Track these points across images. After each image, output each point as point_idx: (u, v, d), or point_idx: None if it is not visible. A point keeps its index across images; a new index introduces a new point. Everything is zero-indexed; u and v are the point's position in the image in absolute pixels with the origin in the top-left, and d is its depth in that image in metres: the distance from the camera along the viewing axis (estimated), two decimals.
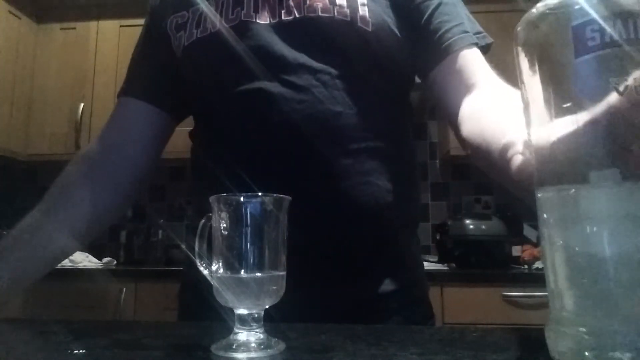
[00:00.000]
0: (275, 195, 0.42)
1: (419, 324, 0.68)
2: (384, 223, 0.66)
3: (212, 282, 0.41)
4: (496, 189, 2.60)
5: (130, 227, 2.58)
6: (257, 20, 0.67)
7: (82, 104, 2.49)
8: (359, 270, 0.66)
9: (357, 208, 0.64)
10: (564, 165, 0.31)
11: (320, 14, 0.66)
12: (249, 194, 0.41)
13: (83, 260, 2.27)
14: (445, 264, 2.15)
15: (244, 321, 0.41)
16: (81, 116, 2.48)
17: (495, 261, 2.08)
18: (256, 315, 0.41)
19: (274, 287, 0.41)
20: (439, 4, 0.70)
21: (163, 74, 0.76)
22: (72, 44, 2.59)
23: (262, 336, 0.41)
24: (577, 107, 0.30)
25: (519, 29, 0.34)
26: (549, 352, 0.33)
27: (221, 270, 0.41)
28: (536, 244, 2.32)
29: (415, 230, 0.76)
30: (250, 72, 0.65)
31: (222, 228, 0.41)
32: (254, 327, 0.41)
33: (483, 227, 2.10)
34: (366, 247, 0.66)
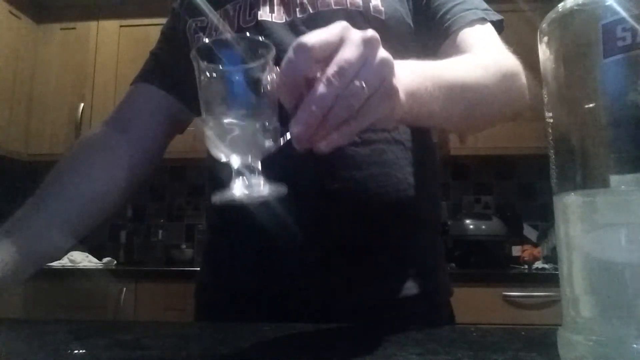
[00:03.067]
0: (261, 38, 0.41)
1: None
2: (405, 219, 0.64)
3: (205, 131, 0.39)
4: (496, 189, 2.60)
5: (130, 227, 2.58)
6: (274, 20, 0.68)
7: (82, 104, 2.49)
8: (378, 271, 0.63)
9: (376, 202, 0.61)
10: (583, 169, 0.30)
11: (333, 7, 0.66)
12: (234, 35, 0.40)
13: (83, 260, 2.27)
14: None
15: (239, 172, 0.39)
16: (81, 116, 2.48)
17: (495, 261, 2.08)
18: (252, 165, 0.39)
19: (265, 133, 0.39)
20: None
21: (179, 68, 0.74)
22: (72, 44, 2.59)
23: (261, 179, 0.39)
24: (600, 109, 0.29)
25: (544, 25, 0.33)
26: (548, 351, 0.33)
27: (210, 116, 0.39)
28: (536, 244, 2.32)
29: (437, 232, 0.74)
30: None
31: (209, 74, 0.40)
32: (251, 176, 0.39)
33: (483, 227, 2.11)
34: (386, 246, 0.63)
